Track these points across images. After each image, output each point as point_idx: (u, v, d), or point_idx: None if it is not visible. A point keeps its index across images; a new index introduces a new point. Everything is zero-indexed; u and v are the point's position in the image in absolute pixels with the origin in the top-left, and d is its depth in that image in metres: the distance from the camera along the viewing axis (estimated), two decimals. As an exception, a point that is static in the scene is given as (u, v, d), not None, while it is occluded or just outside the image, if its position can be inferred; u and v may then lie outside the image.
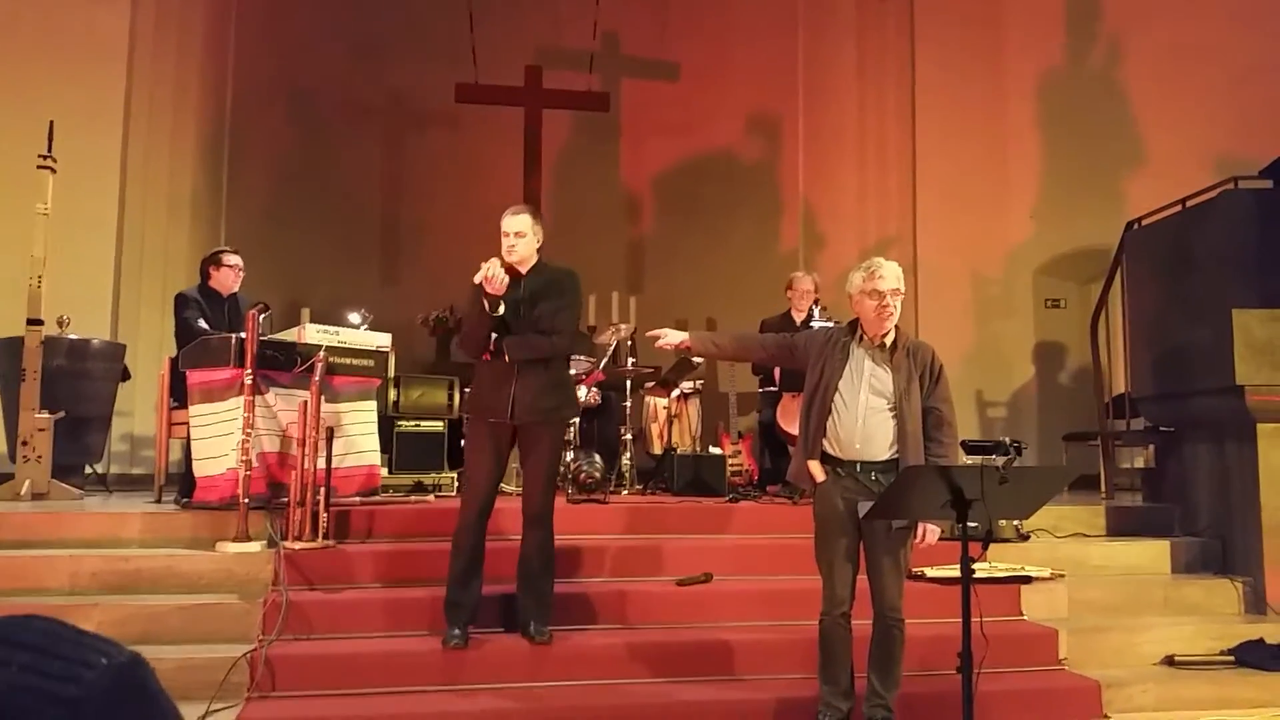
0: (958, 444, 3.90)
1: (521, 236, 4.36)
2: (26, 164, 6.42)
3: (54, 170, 6.36)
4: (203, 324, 5.82)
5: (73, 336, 6.76)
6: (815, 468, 3.83)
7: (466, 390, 6.54)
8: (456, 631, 4.19)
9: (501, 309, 4.23)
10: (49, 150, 6.35)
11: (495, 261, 4.22)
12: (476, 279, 4.22)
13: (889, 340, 3.82)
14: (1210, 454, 5.77)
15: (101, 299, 7.80)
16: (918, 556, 4.07)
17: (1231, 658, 4.77)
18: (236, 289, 6.14)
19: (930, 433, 3.79)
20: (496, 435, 4.33)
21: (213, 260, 6.17)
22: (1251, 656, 4.75)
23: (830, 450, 3.81)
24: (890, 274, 3.79)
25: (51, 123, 6.42)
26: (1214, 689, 4.55)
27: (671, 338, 4.12)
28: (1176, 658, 4.75)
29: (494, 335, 4.30)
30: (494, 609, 4.48)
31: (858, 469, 3.76)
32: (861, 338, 3.85)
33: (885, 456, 3.75)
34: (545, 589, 4.39)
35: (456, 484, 6.30)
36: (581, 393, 6.58)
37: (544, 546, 4.36)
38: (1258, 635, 4.87)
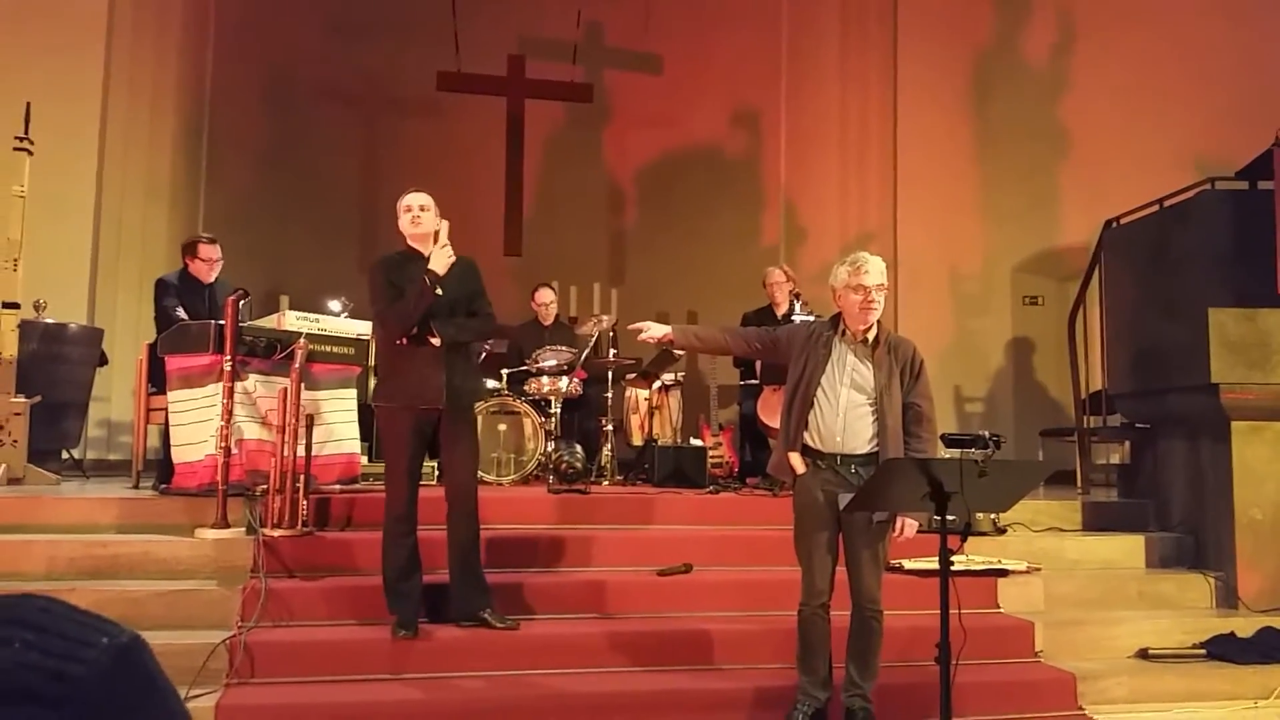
0: (937, 439, 3.93)
1: (426, 210, 4.40)
2: (2, 145, 6.35)
3: (30, 152, 6.30)
4: (180, 312, 5.78)
5: (49, 320, 6.70)
6: (796, 460, 3.85)
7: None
8: (404, 622, 4.18)
9: (439, 290, 4.24)
10: (25, 132, 6.28)
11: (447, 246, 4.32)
12: (440, 260, 4.27)
13: (871, 335, 3.84)
14: (1185, 451, 5.84)
15: (79, 283, 7.74)
16: (896, 549, 4.10)
17: (1203, 651, 4.84)
18: (215, 277, 6.09)
19: (910, 428, 3.81)
20: (422, 423, 4.29)
21: (189, 250, 6.12)
22: (1223, 650, 4.81)
23: (811, 443, 3.83)
24: (875, 269, 3.81)
25: (28, 104, 6.34)
26: (1186, 682, 4.62)
27: (654, 331, 4.13)
28: (1150, 651, 4.81)
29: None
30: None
31: (838, 462, 3.78)
32: (844, 332, 3.87)
33: (865, 450, 3.77)
34: (482, 573, 4.39)
35: (437, 473, 6.26)
36: (563, 383, 6.59)
37: (477, 531, 4.37)
38: (1229, 629, 4.94)
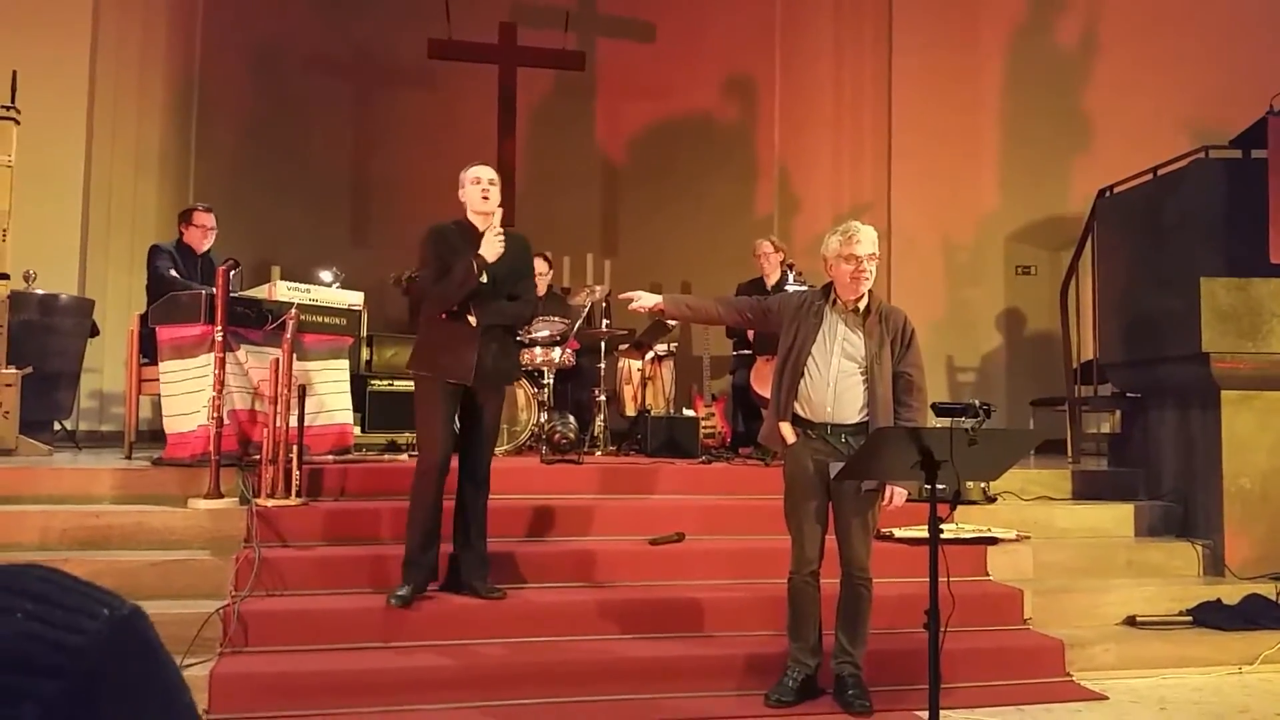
0: (927, 409, 3.93)
1: (495, 185, 4.39)
2: (-10, 115, 6.30)
3: (18, 122, 6.24)
4: (173, 273, 5.77)
5: (40, 291, 6.66)
6: (786, 429, 3.86)
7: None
8: (403, 591, 4.17)
9: (485, 278, 4.23)
10: (12, 101, 6.22)
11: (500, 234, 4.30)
12: (490, 249, 4.24)
13: (862, 305, 3.84)
14: (1175, 420, 5.86)
15: (69, 254, 7.69)
16: (886, 517, 4.13)
17: (1190, 618, 4.89)
18: (208, 246, 6.09)
19: (900, 397, 3.82)
20: (452, 397, 4.30)
21: (185, 217, 6.13)
22: (1209, 617, 4.86)
23: (801, 412, 3.84)
24: (867, 238, 3.80)
25: (15, 73, 6.28)
26: (1173, 648, 4.66)
27: (645, 300, 4.13)
28: (1138, 618, 4.86)
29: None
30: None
31: (828, 431, 3.80)
32: (835, 301, 3.87)
33: (855, 419, 3.78)
34: (484, 547, 4.42)
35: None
36: (555, 354, 6.59)
37: (485, 506, 4.40)
38: (1216, 596, 4.99)
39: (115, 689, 0.53)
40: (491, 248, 4.26)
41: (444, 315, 4.29)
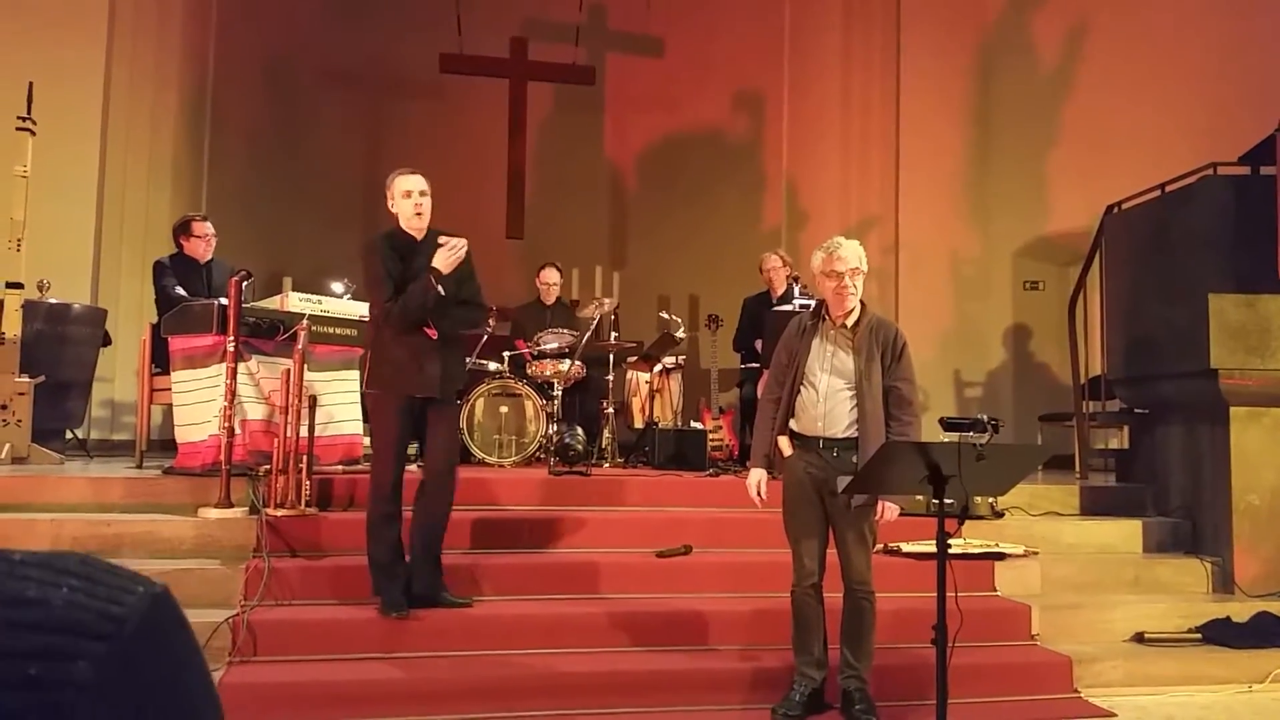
0: (919, 422, 3.90)
1: (426, 196, 4.32)
2: (5, 126, 6.35)
3: (33, 132, 6.30)
4: (180, 290, 5.81)
5: (53, 300, 6.71)
6: (783, 443, 3.89)
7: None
8: (398, 603, 4.21)
9: (441, 289, 4.21)
10: (28, 112, 6.27)
11: (463, 242, 4.26)
12: (445, 261, 4.21)
13: (851, 320, 3.85)
14: (1183, 436, 5.86)
15: (82, 263, 7.74)
16: (895, 532, 4.13)
17: (1199, 635, 4.87)
18: (210, 255, 6.13)
19: (891, 410, 3.82)
20: (408, 414, 4.27)
21: (183, 230, 6.15)
22: (1218, 634, 4.85)
23: (794, 427, 3.87)
24: (850, 254, 3.81)
25: (30, 84, 6.34)
26: (1182, 666, 4.65)
27: (752, 480, 3.99)
28: (1146, 635, 4.85)
29: None
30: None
31: (820, 445, 3.82)
32: (825, 318, 3.89)
33: (845, 434, 3.79)
34: (440, 554, 4.41)
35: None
36: (564, 366, 6.62)
37: (449, 513, 4.40)
38: (1225, 614, 4.98)
39: (154, 655, 0.59)
40: (444, 259, 4.21)
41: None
